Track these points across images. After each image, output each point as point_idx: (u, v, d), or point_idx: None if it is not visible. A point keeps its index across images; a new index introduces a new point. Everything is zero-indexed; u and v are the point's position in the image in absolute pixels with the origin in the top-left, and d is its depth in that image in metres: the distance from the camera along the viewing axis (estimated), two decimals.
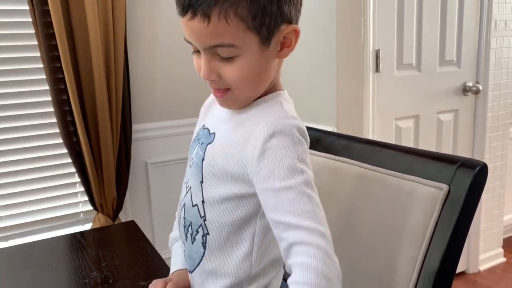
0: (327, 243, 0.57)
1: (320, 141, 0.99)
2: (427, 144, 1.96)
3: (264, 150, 0.61)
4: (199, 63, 0.65)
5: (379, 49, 1.73)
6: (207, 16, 0.58)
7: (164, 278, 0.77)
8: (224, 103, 0.69)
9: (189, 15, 0.59)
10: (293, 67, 1.82)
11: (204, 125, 0.76)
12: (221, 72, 0.63)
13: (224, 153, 0.67)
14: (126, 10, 1.72)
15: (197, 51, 0.65)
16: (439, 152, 0.79)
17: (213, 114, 0.77)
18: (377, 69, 1.74)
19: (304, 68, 1.79)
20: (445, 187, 0.70)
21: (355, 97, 1.71)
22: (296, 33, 0.65)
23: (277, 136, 0.61)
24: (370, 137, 1.77)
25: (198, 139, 0.75)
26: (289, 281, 0.57)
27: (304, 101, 1.79)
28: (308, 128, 1.04)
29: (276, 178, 0.60)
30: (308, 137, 0.66)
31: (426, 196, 0.72)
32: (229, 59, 0.62)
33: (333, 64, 1.65)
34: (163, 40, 1.90)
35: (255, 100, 0.69)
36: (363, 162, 0.86)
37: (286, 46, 0.66)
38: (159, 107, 1.95)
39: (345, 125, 1.68)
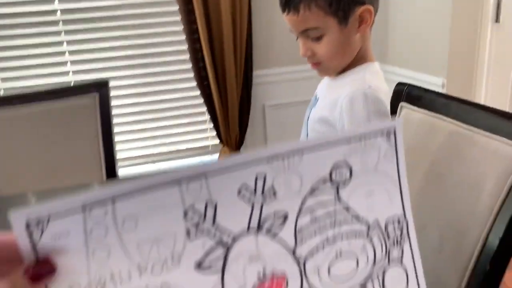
0: None
1: (421, 98, 1.11)
2: None
3: (344, 117, 0.81)
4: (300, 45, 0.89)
5: None
6: (296, 10, 0.81)
7: None
8: (320, 73, 0.92)
9: (286, 11, 0.83)
10: (406, 13, 1.85)
11: (316, 93, 0.97)
12: (314, 50, 0.85)
13: (321, 113, 0.88)
14: None
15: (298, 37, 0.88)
16: None
17: (322, 84, 0.98)
18: (497, 19, 1.69)
19: (417, 15, 1.81)
20: None
21: (469, 48, 1.70)
22: (370, 12, 0.83)
23: (355, 107, 0.80)
24: (483, 90, 1.77)
25: (310, 104, 0.97)
26: None
27: (415, 50, 1.83)
28: (410, 86, 1.16)
29: None
30: (384, 104, 0.83)
31: (508, 156, 0.83)
32: (317, 39, 0.84)
33: (448, 12, 1.64)
34: None
35: (346, 70, 0.88)
36: (458, 120, 0.98)
37: (364, 23, 0.84)
38: (277, 54, 2.14)
39: (455, 77, 1.70)
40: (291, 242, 0.37)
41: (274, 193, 0.37)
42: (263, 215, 0.36)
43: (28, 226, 0.31)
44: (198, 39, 1.92)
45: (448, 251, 0.95)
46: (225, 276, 0.35)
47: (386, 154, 0.41)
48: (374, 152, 0.41)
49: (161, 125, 2.11)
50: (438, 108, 1.05)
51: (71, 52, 1.91)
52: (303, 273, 0.38)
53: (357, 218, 0.40)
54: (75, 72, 1.94)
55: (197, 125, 2.17)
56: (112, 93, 1.33)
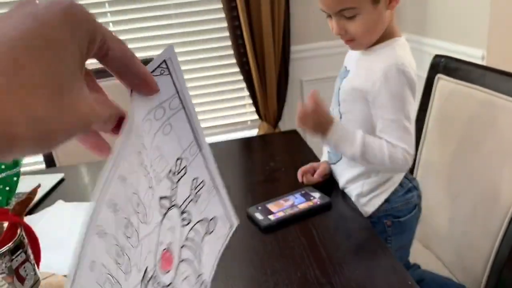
0: (408, 158, 0.89)
1: (457, 69, 1.13)
2: None
3: (380, 88, 0.89)
4: (332, 24, 0.93)
5: None
6: None
7: (313, 164, 1.08)
8: (353, 48, 0.98)
9: None
10: None
11: (345, 65, 1.03)
12: (347, 28, 0.91)
13: (353, 84, 0.96)
14: None
15: (329, 16, 0.93)
16: None
17: (351, 56, 1.04)
18: None
19: None
20: None
21: (510, 19, 1.67)
22: None
23: (390, 80, 0.87)
24: None
25: (340, 75, 1.03)
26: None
27: (454, 21, 1.81)
28: (447, 58, 1.18)
29: (386, 111, 0.89)
30: (413, 77, 0.89)
31: None
32: (351, 18, 0.89)
33: None
34: None
35: (376, 44, 0.94)
36: (493, 90, 1.00)
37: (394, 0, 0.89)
38: (314, 29, 2.16)
39: (496, 49, 1.68)
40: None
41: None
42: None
43: None
44: (237, 17, 1.98)
45: (481, 216, 0.99)
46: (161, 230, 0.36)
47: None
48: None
49: (200, 101, 2.19)
50: (475, 78, 1.07)
51: (118, 33, 2.02)
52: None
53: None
54: None
55: (236, 101, 2.25)
56: None
